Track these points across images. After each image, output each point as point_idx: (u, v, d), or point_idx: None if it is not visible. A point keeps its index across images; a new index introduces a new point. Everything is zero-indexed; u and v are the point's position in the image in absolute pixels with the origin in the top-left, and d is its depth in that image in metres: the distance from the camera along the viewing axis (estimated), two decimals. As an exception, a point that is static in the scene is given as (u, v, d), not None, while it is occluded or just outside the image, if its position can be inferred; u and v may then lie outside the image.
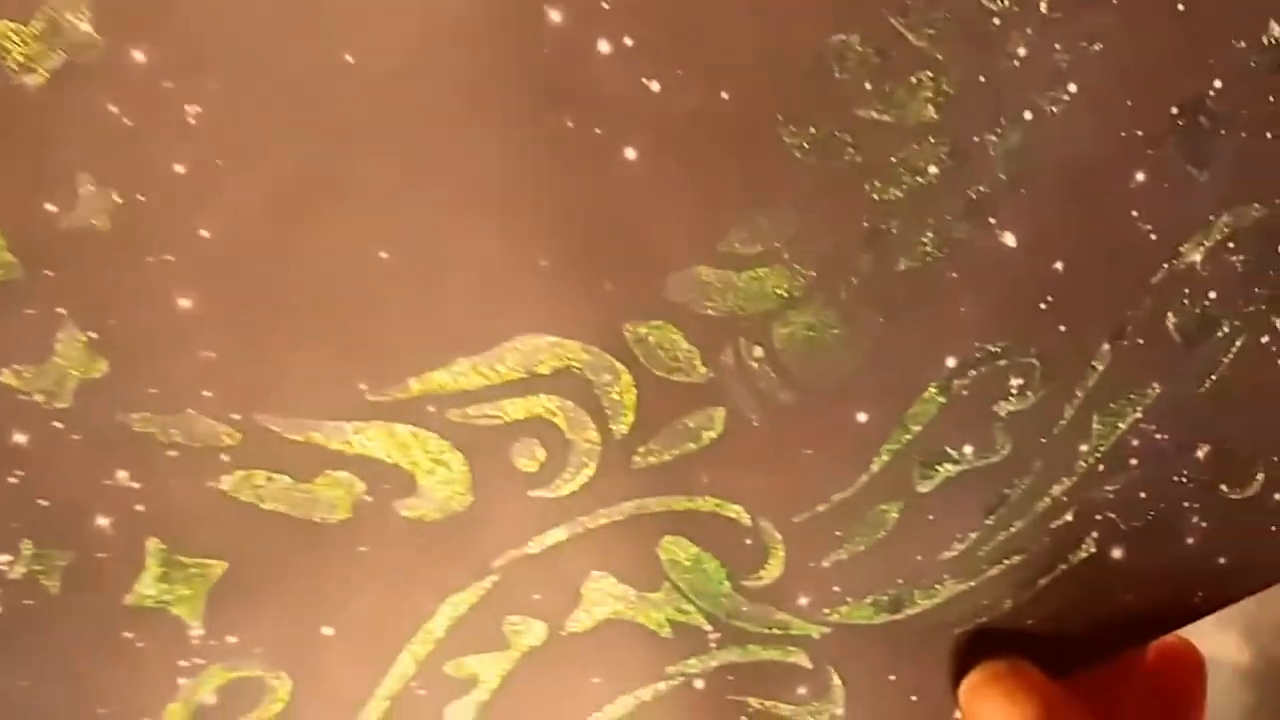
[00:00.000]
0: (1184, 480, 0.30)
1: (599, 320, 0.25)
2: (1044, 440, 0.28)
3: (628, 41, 0.23)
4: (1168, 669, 0.34)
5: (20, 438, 0.24)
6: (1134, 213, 0.27)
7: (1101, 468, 0.29)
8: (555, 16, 0.23)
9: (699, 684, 0.29)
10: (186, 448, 0.25)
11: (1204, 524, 0.30)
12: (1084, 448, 0.29)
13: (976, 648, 0.30)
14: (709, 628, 0.28)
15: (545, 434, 0.26)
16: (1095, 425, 0.29)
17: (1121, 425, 0.29)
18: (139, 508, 0.25)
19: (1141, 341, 0.28)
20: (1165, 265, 0.27)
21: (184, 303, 0.23)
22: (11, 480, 0.24)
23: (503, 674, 0.28)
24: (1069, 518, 0.29)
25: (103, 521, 0.25)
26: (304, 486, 0.25)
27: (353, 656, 0.27)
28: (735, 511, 0.28)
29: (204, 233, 0.23)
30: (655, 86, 0.24)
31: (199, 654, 0.26)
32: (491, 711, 0.28)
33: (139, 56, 0.22)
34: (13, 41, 0.21)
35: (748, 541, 0.28)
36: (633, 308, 0.25)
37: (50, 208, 0.22)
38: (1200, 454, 0.30)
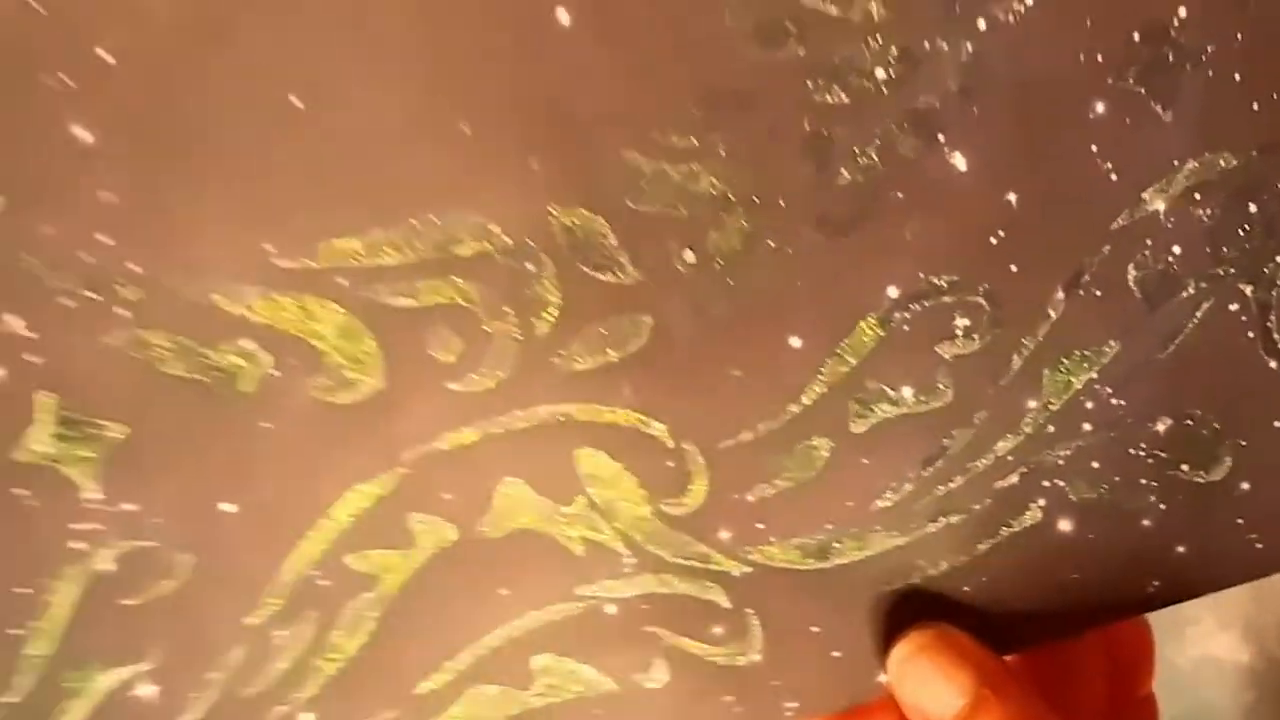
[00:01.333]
0: (1141, 454, 0.23)
1: (523, 201, 0.20)
2: (989, 390, 0.22)
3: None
4: (1120, 652, 0.26)
5: (-90, 269, 0.19)
6: (1093, 147, 0.21)
7: (1051, 428, 0.23)
8: None
9: (610, 609, 0.23)
10: (83, 298, 0.19)
11: (1162, 506, 0.24)
12: (1033, 404, 0.22)
13: (909, 609, 0.24)
14: (625, 551, 0.22)
15: (462, 322, 0.21)
16: (1045, 380, 0.22)
17: (1075, 383, 0.22)
18: (31, 358, 0.19)
19: (1099, 293, 0.22)
20: (1126, 211, 0.21)
21: (81, 133, 0.18)
22: (-101, 315, 0.19)
23: (407, 573, 0.22)
24: (1014, 480, 0.23)
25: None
26: (205, 353, 0.20)
27: (254, 537, 0.21)
28: (658, 430, 0.22)
29: (105, 55, 0.18)
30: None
31: (96, 519, 0.21)
32: (394, 611, 0.22)
33: None
34: None
35: (669, 464, 0.22)
36: (560, 192, 0.20)
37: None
38: (1160, 427, 0.23)
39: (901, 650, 0.24)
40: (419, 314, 0.20)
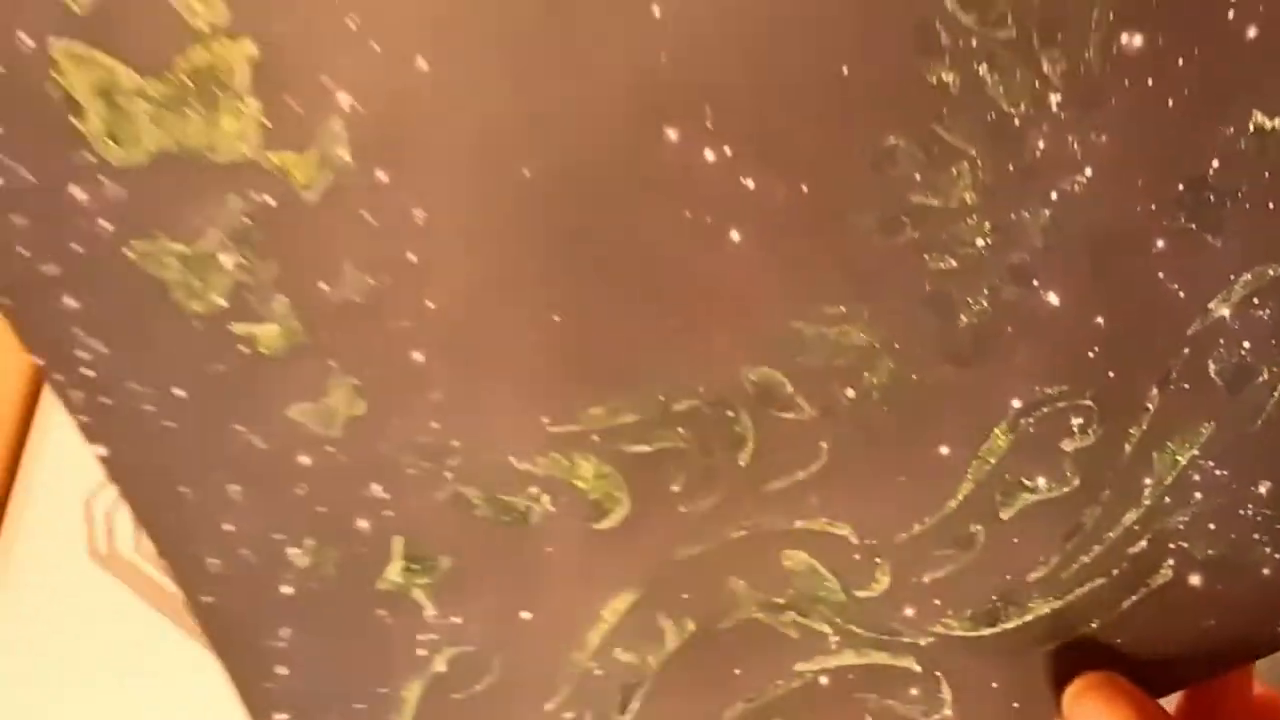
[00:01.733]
0: (1250, 513, 0.28)
1: (719, 368, 0.27)
2: (1109, 474, 0.28)
3: (727, 151, 0.25)
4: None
5: (305, 459, 0.27)
6: (1160, 274, 0.27)
7: (1167, 499, 0.28)
8: (672, 135, 0.25)
9: (824, 680, 0.28)
10: (421, 467, 0.27)
11: (1277, 555, 0.28)
12: (1148, 481, 0.28)
13: (1072, 661, 0.28)
14: (829, 631, 0.28)
15: (684, 460, 0.28)
16: (1155, 461, 0.28)
17: (1181, 460, 0.27)
18: (388, 513, 0.27)
19: (1187, 386, 0.27)
20: (1198, 319, 0.27)
21: (418, 357, 0.26)
22: (299, 491, 0.27)
23: (662, 661, 0.28)
24: (1144, 545, 0.28)
25: (362, 524, 0.27)
26: (504, 499, 0.27)
27: (547, 637, 0.28)
28: (844, 531, 0.28)
29: (430, 304, 0.26)
30: (750, 184, 0.26)
31: (433, 630, 0.28)
32: (655, 693, 0.28)
33: (382, 177, 0.25)
34: (297, 169, 0.25)
35: (856, 557, 0.28)
36: (747, 357, 0.27)
37: (323, 286, 0.26)
38: (1262, 489, 0.28)
39: (1073, 689, 0.28)
40: (652, 456, 0.28)
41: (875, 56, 0.25)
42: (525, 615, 0.28)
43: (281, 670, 0.28)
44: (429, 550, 0.28)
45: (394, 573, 0.28)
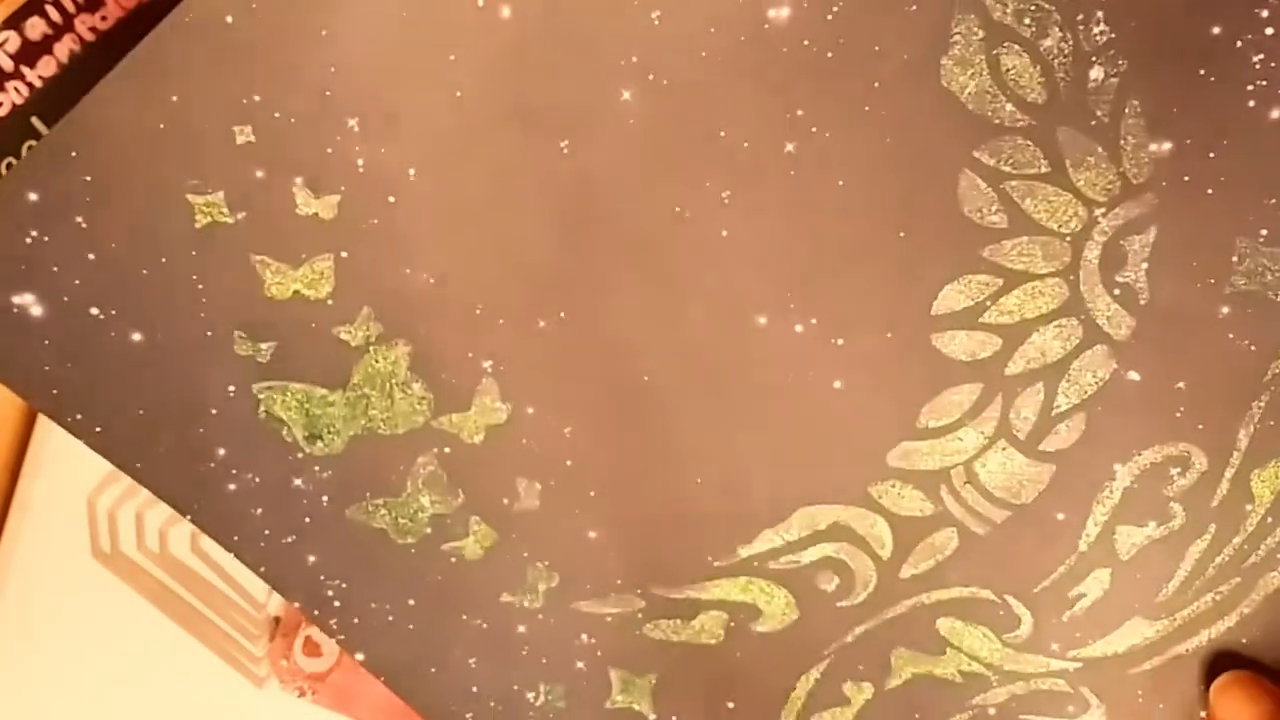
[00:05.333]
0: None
1: (851, 489, 0.31)
2: (1212, 507, 0.30)
3: (813, 321, 0.29)
4: None
5: (522, 628, 0.32)
6: (1230, 335, 0.29)
7: (1270, 519, 0.30)
8: (762, 320, 0.29)
9: (992, 710, 0.33)
10: (615, 615, 0.32)
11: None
12: (1249, 507, 0.30)
13: (1204, 665, 0.32)
14: (988, 673, 0.32)
15: (836, 566, 0.32)
16: (1254, 488, 0.30)
17: (1277, 484, 0.30)
18: (599, 653, 0.32)
19: (1272, 423, 0.29)
20: (1270, 367, 0.29)
21: (592, 535, 0.31)
22: (522, 653, 0.33)
23: (851, 717, 0.33)
24: (1255, 559, 0.31)
25: (580, 664, 0.33)
26: (690, 624, 0.32)
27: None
28: (986, 594, 0.32)
29: (592, 494, 0.31)
30: (840, 341, 0.29)
31: (663, 738, 0.33)
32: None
33: (530, 410, 0.29)
34: (463, 425, 0.29)
35: (1001, 612, 0.32)
36: (871, 476, 0.30)
37: (505, 501, 0.31)
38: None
39: (1218, 685, 0.32)
40: (805, 568, 0.32)
41: (925, 215, 0.28)
42: (730, 705, 0.33)
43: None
44: (639, 671, 0.33)
45: (615, 695, 0.33)
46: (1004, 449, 0.30)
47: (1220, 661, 0.32)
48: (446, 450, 0.30)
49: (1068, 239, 0.28)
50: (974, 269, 0.28)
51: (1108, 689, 0.33)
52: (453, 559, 0.31)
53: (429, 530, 0.31)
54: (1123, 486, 0.30)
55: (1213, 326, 0.29)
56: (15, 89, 0.38)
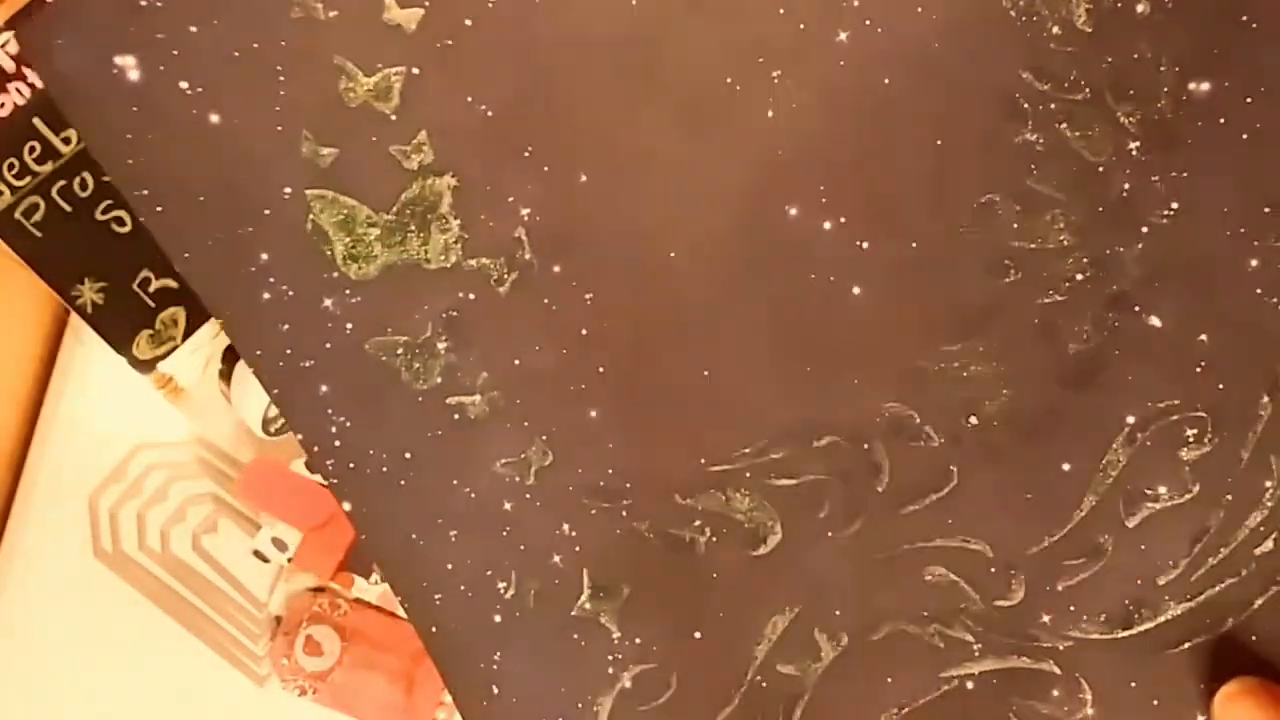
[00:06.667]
0: (1374, 511, 0.29)
1: (853, 407, 0.30)
2: (1229, 480, 0.29)
3: (841, 220, 0.29)
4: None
5: (508, 505, 0.32)
6: (1258, 290, 0.28)
7: (1290, 500, 0.29)
8: (793, 211, 0.29)
9: (970, 685, 0.31)
10: (601, 507, 0.31)
11: None
12: (1269, 483, 0.29)
13: (1208, 661, 0.30)
14: (972, 640, 0.31)
15: (827, 490, 0.31)
16: (1274, 464, 0.29)
17: (1300, 462, 0.29)
18: (576, 549, 0.32)
19: (1298, 393, 0.28)
20: (1300, 328, 0.28)
21: (593, 414, 0.31)
22: (504, 533, 0.32)
23: (820, 672, 0.31)
24: (1270, 545, 0.29)
25: (556, 559, 0.32)
26: (673, 532, 0.31)
27: (717, 654, 0.32)
28: (979, 547, 0.30)
29: (601, 369, 0.31)
30: (865, 245, 0.29)
31: (619, 650, 0.32)
32: (814, 702, 0.31)
33: (556, 269, 0.30)
34: (492, 268, 0.30)
35: (992, 570, 0.30)
36: (876, 396, 0.30)
37: (516, 361, 0.31)
38: (1385, 487, 0.29)
39: (1225, 692, 0.30)
40: (798, 488, 0.31)
41: (965, 127, 0.29)
42: (697, 634, 0.32)
43: (495, 690, 0.33)
44: (612, 580, 0.32)
45: (584, 601, 0.32)
46: (1014, 380, 0.30)
47: (1225, 659, 0.30)
48: (471, 297, 0.31)
49: (1100, 169, 0.28)
50: (1004, 188, 0.29)
51: (1100, 677, 0.30)
52: (456, 415, 0.31)
53: (439, 379, 0.31)
54: (1134, 440, 0.29)
55: (1240, 279, 0.28)
56: (17, 90, 0.41)
